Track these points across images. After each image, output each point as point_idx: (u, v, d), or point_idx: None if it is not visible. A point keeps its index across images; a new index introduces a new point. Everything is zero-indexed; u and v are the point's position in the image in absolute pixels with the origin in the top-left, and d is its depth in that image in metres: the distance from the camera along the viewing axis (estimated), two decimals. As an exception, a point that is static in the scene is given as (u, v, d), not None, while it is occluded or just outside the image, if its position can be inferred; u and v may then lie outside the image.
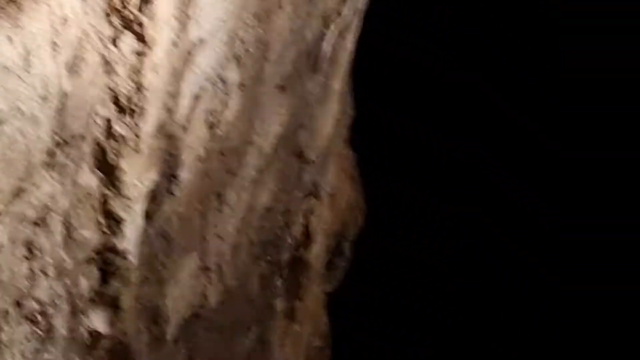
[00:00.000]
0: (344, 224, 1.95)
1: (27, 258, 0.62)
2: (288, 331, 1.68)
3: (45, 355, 0.72)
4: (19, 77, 0.48)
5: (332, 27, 1.43)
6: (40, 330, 0.68)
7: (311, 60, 1.38)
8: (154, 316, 1.08)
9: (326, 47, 1.45)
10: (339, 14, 1.43)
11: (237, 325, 1.40)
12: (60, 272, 0.72)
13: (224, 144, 1.14)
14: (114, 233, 0.84)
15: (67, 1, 0.53)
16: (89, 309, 0.84)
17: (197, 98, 0.99)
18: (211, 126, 1.07)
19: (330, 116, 1.66)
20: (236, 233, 1.26)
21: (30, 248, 0.63)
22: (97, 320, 0.86)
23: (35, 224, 0.62)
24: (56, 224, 0.68)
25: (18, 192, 0.55)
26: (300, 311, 1.71)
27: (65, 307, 0.75)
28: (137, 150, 0.82)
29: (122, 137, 0.78)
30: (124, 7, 0.66)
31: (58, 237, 0.70)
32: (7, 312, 0.58)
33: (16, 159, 0.52)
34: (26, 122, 0.52)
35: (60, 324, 0.75)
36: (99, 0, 0.60)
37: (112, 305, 0.90)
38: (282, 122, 1.33)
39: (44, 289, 0.67)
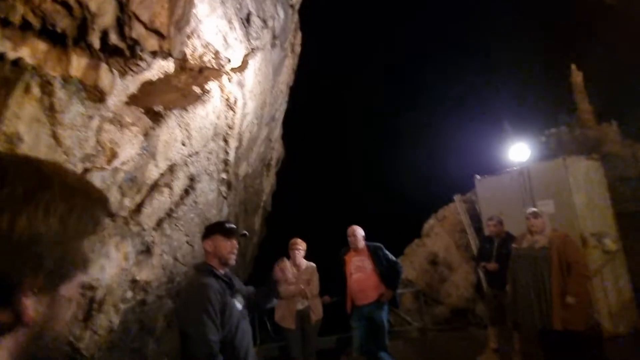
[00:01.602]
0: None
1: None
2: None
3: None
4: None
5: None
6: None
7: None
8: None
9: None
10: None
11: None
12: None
13: (252, 139, 4.37)
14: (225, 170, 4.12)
15: (211, 103, 3.80)
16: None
17: (246, 126, 4.27)
18: (250, 132, 4.32)
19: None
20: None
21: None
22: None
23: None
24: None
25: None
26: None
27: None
28: (233, 135, 4.10)
29: (228, 141, 4.06)
30: (231, 107, 3.95)
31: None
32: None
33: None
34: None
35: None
36: (223, 102, 3.89)
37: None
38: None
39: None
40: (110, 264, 2.81)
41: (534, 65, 9.56)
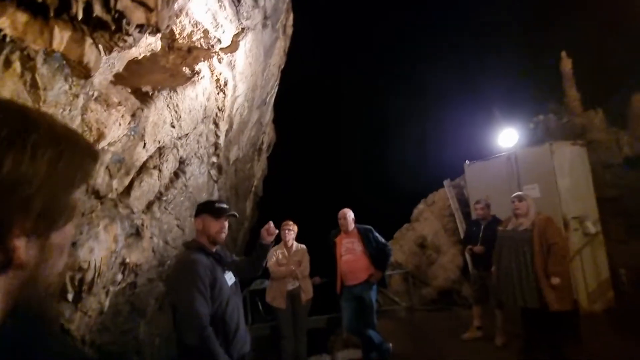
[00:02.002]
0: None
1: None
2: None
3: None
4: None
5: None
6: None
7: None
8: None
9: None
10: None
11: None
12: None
13: (242, 122, 4.31)
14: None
15: (201, 84, 3.73)
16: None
17: (237, 109, 4.21)
18: (241, 115, 4.26)
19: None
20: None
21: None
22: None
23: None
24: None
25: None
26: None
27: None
28: (223, 118, 4.04)
29: (218, 124, 4.00)
30: (222, 89, 3.88)
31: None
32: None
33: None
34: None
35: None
36: (213, 83, 3.82)
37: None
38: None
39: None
40: (100, 246, 2.78)
41: (524, 52, 9.59)
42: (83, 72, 1.98)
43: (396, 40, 17.90)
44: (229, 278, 1.87)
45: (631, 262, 4.52)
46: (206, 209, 1.92)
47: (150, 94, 3.25)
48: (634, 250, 4.67)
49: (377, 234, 3.67)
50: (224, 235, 1.90)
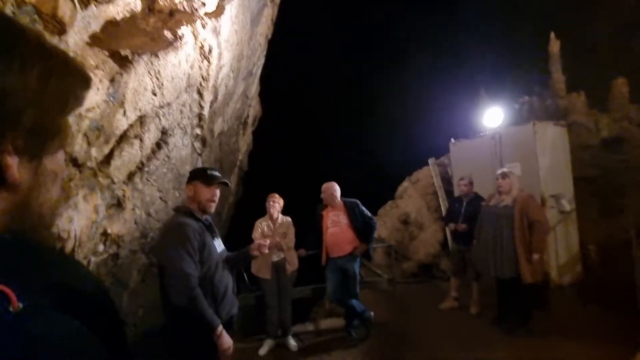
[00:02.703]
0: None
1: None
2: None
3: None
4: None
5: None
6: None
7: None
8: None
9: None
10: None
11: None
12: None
13: (228, 93, 4.17)
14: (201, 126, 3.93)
15: (184, 50, 3.57)
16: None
17: (222, 79, 4.05)
18: (226, 86, 4.11)
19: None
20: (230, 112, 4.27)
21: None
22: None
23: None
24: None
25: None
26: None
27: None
28: (207, 88, 3.89)
29: (202, 94, 3.84)
30: (206, 56, 3.71)
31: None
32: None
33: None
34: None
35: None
36: (197, 50, 3.66)
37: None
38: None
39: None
40: (79, 216, 2.71)
41: (512, 34, 9.55)
42: (57, 27, 1.84)
43: (385, 18, 17.47)
44: (219, 245, 1.88)
45: (600, 240, 4.78)
46: (198, 175, 1.92)
47: (130, 58, 3.08)
48: (604, 229, 4.93)
49: (363, 208, 3.72)
50: (213, 205, 1.90)
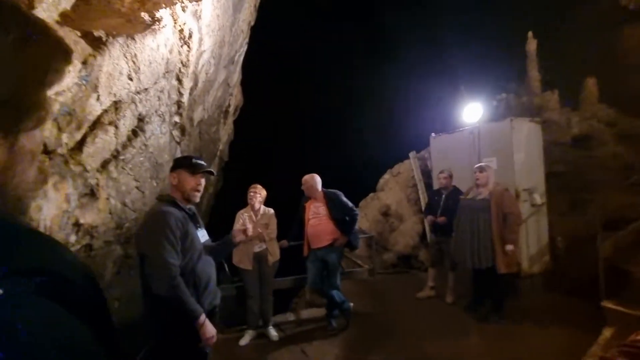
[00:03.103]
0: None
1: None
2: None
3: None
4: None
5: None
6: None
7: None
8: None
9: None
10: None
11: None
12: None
13: (208, 81, 4.05)
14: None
15: (162, 34, 3.43)
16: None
17: (202, 66, 3.92)
18: (206, 73, 3.98)
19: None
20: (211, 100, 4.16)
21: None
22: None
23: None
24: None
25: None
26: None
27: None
28: (187, 74, 3.76)
29: (181, 80, 3.70)
30: (186, 41, 3.57)
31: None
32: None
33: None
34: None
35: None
36: (177, 34, 3.52)
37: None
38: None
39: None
40: (49, 205, 2.58)
41: (492, 31, 9.78)
42: (25, 2, 1.71)
43: (369, 13, 17.42)
44: (202, 235, 1.85)
45: (567, 231, 5.05)
46: (183, 163, 1.88)
47: (104, 39, 2.92)
48: (571, 221, 5.20)
49: (344, 199, 3.74)
50: (198, 195, 1.87)
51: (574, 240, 4.92)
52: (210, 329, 1.69)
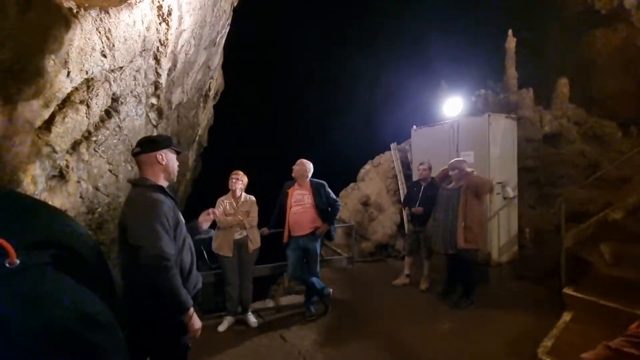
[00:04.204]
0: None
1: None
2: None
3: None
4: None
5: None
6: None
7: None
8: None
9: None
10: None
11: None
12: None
13: (188, 62, 3.89)
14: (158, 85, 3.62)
15: (139, 9, 3.25)
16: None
17: (182, 46, 3.75)
18: (186, 54, 3.82)
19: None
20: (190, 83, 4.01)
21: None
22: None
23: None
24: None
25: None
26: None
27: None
28: (165, 54, 3.59)
29: (159, 60, 3.53)
30: (164, 19, 3.40)
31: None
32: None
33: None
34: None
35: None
36: (155, 10, 3.34)
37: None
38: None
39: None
40: (14, 187, 2.43)
41: (473, 27, 9.96)
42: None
43: (353, 4, 17.24)
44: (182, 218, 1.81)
45: (535, 223, 5.33)
46: (167, 142, 1.81)
47: (75, 12, 2.73)
48: (539, 214, 5.49)
49: (329, 190, 3.76)
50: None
51: (540, 231, 5.21)
52: (197, 322, 1.67)
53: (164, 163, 1.75)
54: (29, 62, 0.29)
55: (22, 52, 0.27)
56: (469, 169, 3.94)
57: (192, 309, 1.64)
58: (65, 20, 0.38)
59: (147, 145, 1.77)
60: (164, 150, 1.76)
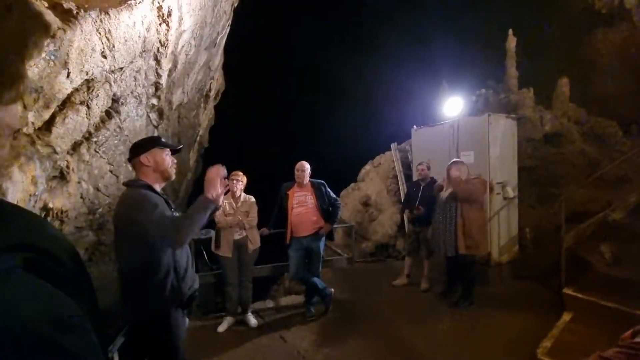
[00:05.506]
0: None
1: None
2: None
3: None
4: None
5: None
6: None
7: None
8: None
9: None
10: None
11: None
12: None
13: (188, 63, 3.90)
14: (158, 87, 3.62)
15: (139, 10, 3.26)
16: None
17: (182, 47, 3.76)
18: (187, 54, 3.83)
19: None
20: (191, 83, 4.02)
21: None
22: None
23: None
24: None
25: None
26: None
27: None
28: (165, 55, 3.59)
29: (160, 61, 3.54)
30: (165, 19, 3.41)
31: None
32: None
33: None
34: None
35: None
36: (155, 11, 3.35)
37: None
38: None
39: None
40: (15, 188, 2.43)
41: (474, 27, 9.95)
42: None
43: (353, 5, 17.23)
44: None
45: (535, 223, 5.32)
46: (153, 143, 1.82)
47: (75, 12, 2.74)
48: (539, 214, 5.48)
49: (329, 189, 3.78)
50: (175, 170, 1.84)
51: (540, 231, 5.20)
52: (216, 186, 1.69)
53: (150, 164, 1.76)
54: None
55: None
56: (461, 175, 3.85)
57: (212, 203, 1.64)
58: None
59: (132, 151, 1.81)
60: (151, 152, 1.77)
